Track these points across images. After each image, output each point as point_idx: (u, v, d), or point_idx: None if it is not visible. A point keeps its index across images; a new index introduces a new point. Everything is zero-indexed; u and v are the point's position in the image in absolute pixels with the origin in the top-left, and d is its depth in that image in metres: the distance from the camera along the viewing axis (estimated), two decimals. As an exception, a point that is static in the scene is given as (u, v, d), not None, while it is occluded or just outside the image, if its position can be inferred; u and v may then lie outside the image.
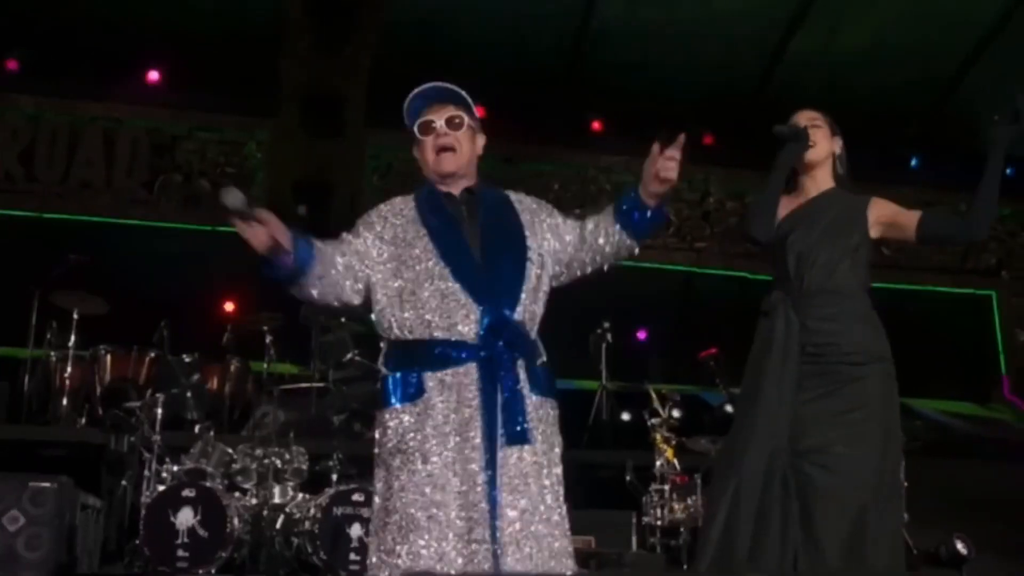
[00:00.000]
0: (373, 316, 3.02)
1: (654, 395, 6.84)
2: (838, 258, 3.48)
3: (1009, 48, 10.45)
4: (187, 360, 7.72)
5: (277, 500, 6.07)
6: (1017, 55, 10.42)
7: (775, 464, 3.32)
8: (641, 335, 10.28)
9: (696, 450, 6.48)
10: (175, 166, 10.42)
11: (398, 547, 2.75)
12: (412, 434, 2.80)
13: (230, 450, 6.16)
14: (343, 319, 8.93)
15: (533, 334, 2.97)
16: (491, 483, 2.74)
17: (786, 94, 10.73)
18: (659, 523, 6.51)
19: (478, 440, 2.77)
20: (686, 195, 11.13)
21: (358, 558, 5.61)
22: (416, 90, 3.13)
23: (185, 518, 5.49)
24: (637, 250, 3.10)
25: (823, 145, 3.70)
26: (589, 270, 3.12)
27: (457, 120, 3.09)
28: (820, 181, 3.64)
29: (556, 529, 2.80)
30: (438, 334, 2.84)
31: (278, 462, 6.07)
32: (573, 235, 3.11)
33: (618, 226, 3.05)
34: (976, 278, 11.73)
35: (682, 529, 6.47)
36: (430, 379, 2.83)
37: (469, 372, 2.82)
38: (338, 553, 5.59)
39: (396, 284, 2.91)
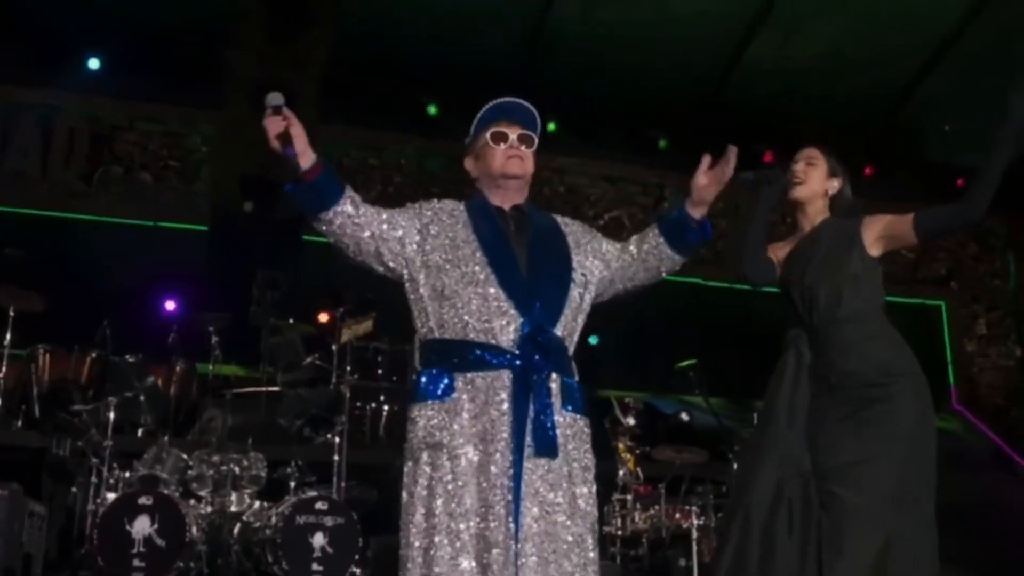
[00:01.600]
0: (411, 305, 3.07)
1: (616, 403, 6.95)
2: (840, 290, 3.56)
3: (963, 59, 10.76)
4: (131, 360, 7.64)
5: (234, 508, 6.05)
6: (971, 67, 10.75)
7: (784, 490, 3.42)
8: (591, 340, 10.43)
9: (661, 459, 6.60)
10: (115, 158, 10.27)
11: (417, 544, 2.80)
12: (439, 432, 2.86)
13: (185, 456, 6.12)
14: (291, 320, 8.94)
15: (570, 351, 3.04)
16: (514, 492, 2.78)
17: (741, 99, 10.96)
18: (620, 533, 6.63)
19: (504, 447, 2.82)
20: (640, 199, 11.28)
21: (321, 568, 5.64)
22: (498, 101, 3.21)
23: (141, 526, 5.46)
24: (679, 264, 3.18)
25: (813, 184, 3.75)
26: (634, 285, 3.20)
27: (530, 139, 3.17)
28: (812, 216, 3.74)
29: (579, 546, 2.85)
30: (475, 337, 2.90)
31: (236, 469, 6.05)
32: (617, 255, 3.19)
33: (663, 238, 3.13)
34: (926, 288, 12.07)
35: (644, 540, 6.59)
36: (461, 380, 2.89)
37: (501, 378, 2.87)
38: (300, 563, 5.60)
39: (439, 282, 2.96)
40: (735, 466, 3.79)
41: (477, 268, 2.94)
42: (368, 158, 10.62)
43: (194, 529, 5.54)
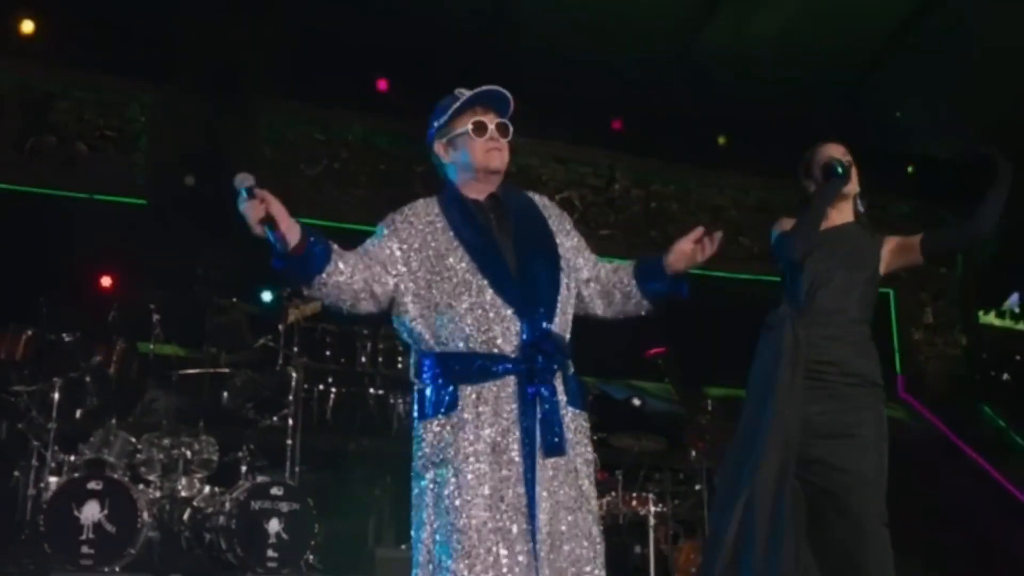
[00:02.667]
0: (397, 324, 3.05)
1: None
2: (851, 285, 3.76)
3: (918, 48, 10.97)
4: (68, 339, 7.51)
5: (184, 493, 6.01)
6: (925, 55, 10.98)
7: (786, 473, 3.55)
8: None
9: (620, 446, 6.69)
10: (49, 127, 10.05)
11: (428, 565, 2.85)
12: (446, 448, 2.86)
13: (133, 439, 6.05)
14: (234, 299, 8.86)
15: (567, 341, 3.05)
16: (529, 495, 2.82)
17: (695, 83, 11.06)
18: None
19: (515, 453, 2.85)
20: (591, 180, 11.35)
21: (276, 555, 5.64)
22: (474, 91, 3.20)
23: (90, 512, 5.40)
24: (644, 310, 3.22)
25: (855, 181, 3.99)
26: (595, 311, 3.21)
27: (506, 128, 3.20)
28: (844, 213, 3.93)
29: (589, 541, 2.90)
30: (476, 348, 2.91)
31: (188, 453, 6.01)
32: (588, 264, 3.21)
33: (635, 281, 3.17)
34: (875, 276, 12.31)
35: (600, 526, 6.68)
36: (466, 391, 2.90)
37: (507, 384, 2.90)
38: (255, 549, 5.59)
39: (429, 296, 2.94)
40: (732, 443, 3.83)
41: (468, 277, 2.94)
42: (314, 133, 10.53)
43: (145, 515, 5.49)
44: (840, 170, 3.81)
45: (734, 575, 3.53)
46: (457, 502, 2.81)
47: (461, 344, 2.91)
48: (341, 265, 2.91)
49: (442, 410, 2.90)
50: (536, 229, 3.13)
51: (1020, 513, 8.83)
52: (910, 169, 12.05)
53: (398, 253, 2.98)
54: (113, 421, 6.08)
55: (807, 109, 11.57)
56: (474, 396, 2.89)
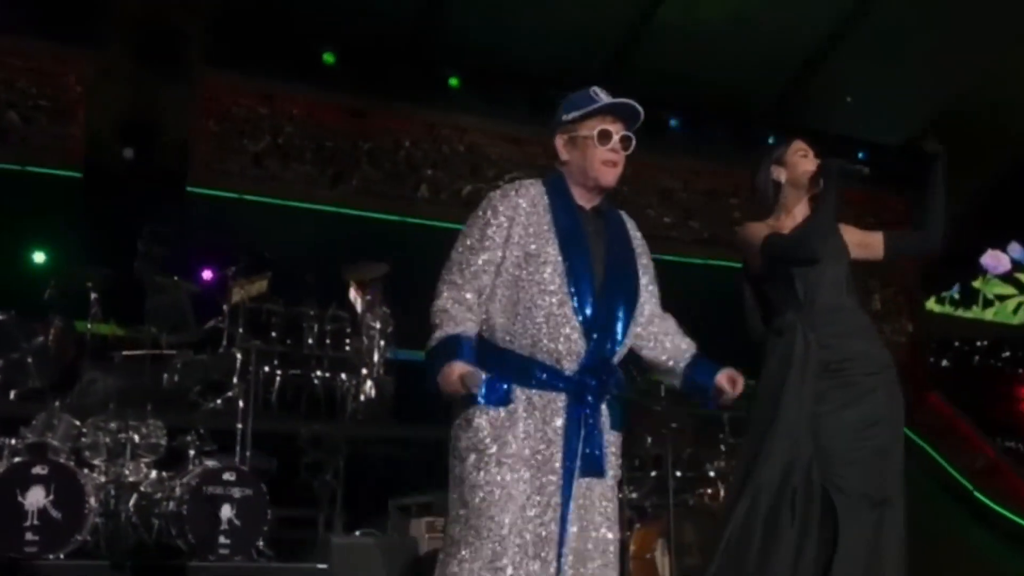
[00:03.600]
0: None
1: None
2: (841, 278, 3.87)
3: (868, 33, 11.17)
4: (3, 318, 7.41)
5: (131, 478, 5.96)
6: (876, 41, 11.18)
7: (791, 475, 3.65)
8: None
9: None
10: (-23, 95, 9.83)
11: (463, 550, 2.93)
12: (495, 441, 2.96)
13: (78, 422, 5.98)
14: (176, 277, 8.78)
15: (621, 373, 3.16)
16: (563, 509, 2.94)
17: (648, 63, 11.14)
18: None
19: (557, 465, 2.96)
20: (542, 161, 11.35)
21: (228, 541, 5.62)
22: (613, 101, 3.20)
23: (35, 498, 5.33)
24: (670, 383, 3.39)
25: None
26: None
27: (630, 142, 3.21)
28: (806, 206, 3.94)
29: (612, 558, 3.04)
30: (539, 356, 3.00)
31: (136, 437, 5.96)
32: (649, 310, 3.28)
33: (683, 376, 3.30)
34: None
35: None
36: (519, 392, 3.00)
37: (558, 399, 3.00)
38: (207, 536, 5.57)
39: (513, 292, 3.04)
40: (744, 445, 3.94)
41: (555, 285, 3.01)
42: (258, 107, 10.42)
43: (92, 500, 5.44)
44: (860, 174, 3.87)
45: (731, 573, 3.64)
46: (497, 493, 2.91)
47: (527, 348, 3.01)
48: (471, 326, 3.05)
49: (496, 401, 2.98)
50: (626, 255, 3.21)
51: (967, 500, 9.10)
52: (860, 155, 12.26)
53: (500, 251, 3.06)
54: (56, 404, 5.99)
55: (758, 93, 11.75)
56: (526, 400, 2.99)
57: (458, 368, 2.91)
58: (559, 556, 2.92)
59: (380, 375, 8.66)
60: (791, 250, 3.78)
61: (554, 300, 3.00)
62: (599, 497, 3.02)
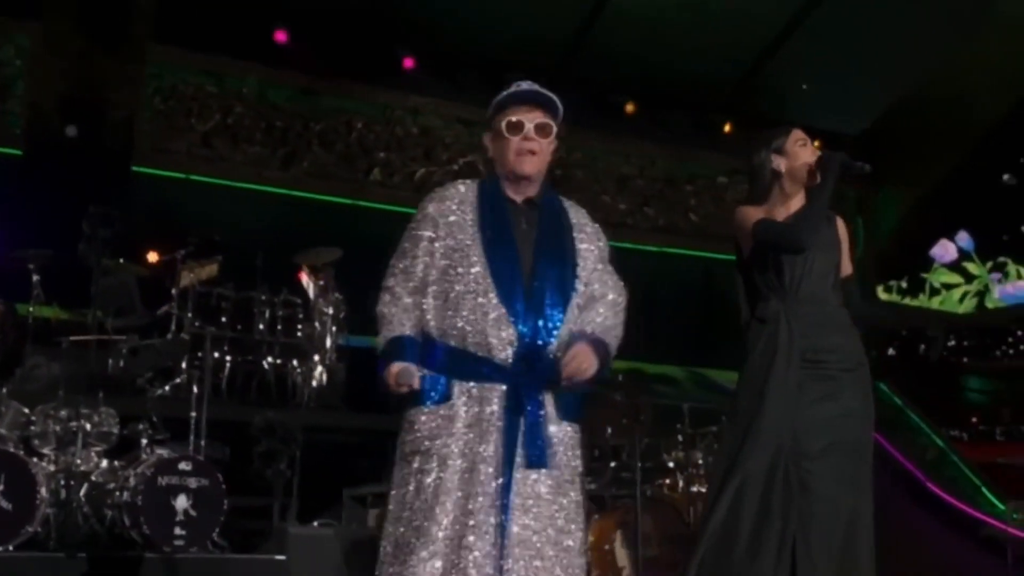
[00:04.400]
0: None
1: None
2: (828, 270, 3.94)
3: (825, 22, 11.33)
4: (-59, 300, 7.29)
5: (82, 467, 5.92)
6: (832, 30, 11.35)
7: (778, 463, 3.74)
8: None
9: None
10: (-90, 69, 9.65)
11: (406, 551, 3.00)
12: (435, 439, 3.04)
13: (27, 410, 5.92)
14: (121, 260, 8.70)
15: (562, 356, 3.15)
16: (503, 503, 2.99)
17: (604, 47, 11.22)
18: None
19: (492, 457, 3.02)
20: (493, 145, 11.43)
21: (183, 532, 5.62)
22: (513, 90, 3.26)
23: (-16, 488, 5.28)
24: None
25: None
26: None
27: (547, 128, 3.25)
28: (802, 199, 4.00)
29: (566, 553, 3.07)
30: (473, 348, 3.08)
31: (87, 425, 5.92)
32: (591, 292, 3.30)
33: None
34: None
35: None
36: (457, 387, 3.08)
37: (495, 390, 3.07)
38: (162, 527, 5.56)
39: (443, 288, 3.13)
40: (725, 438, 4.02)
41: (480, 278, 3.09)
42: (206, 85, 10.34)
43: (43, 490, 5.41)
44: (861, 170, 3.95)
45: (717, 563, 3.73)
46: (439, 494, 2.99)
47: (460, 341, 3.08)
48: (410, 326, 3.14)
49: (435, 399, 3.07)
50: (560, 246, 3.23)
51: (917, 490, 9.32)
52: (816, 144, 12.43)
53: (427, 244, 3.17)
54: (4, 390, 5.93)
55: (715, 80, 11.88)
56: (465, 394, 3.07)
57: (395, 368, 3.03)
58: (502, 548, 2.95)
59: (332, 362, 8.67)
60: (781, 237, 3.84)
61: (480, 294, 3.08)
62: (549, 490, 3.05)
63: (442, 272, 3.13)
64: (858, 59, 11.51)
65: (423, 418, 3.06)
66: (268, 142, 10.50)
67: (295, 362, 8.52)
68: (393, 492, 3.11)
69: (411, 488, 3.04)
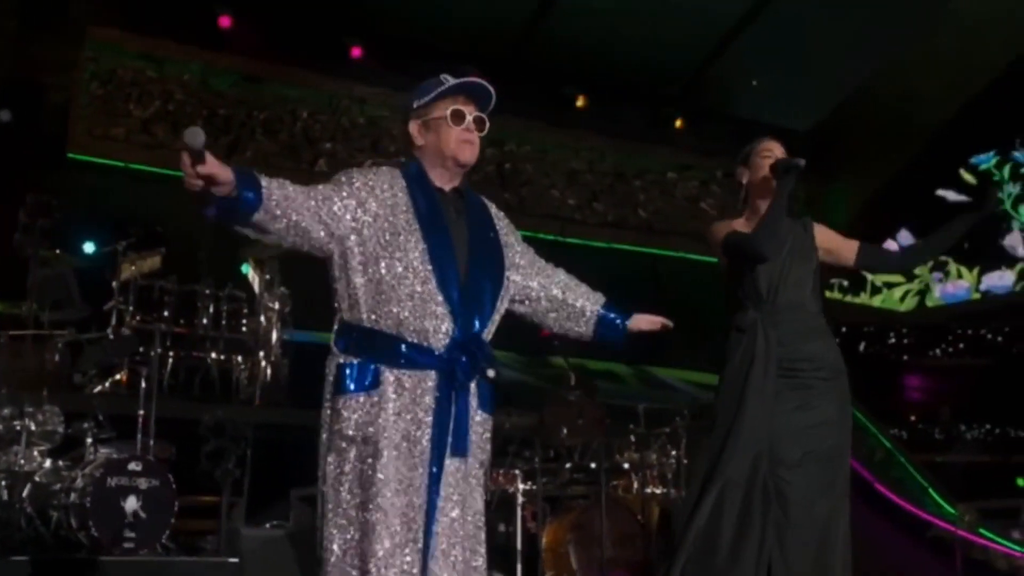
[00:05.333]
0: (337, 282, 3.16)
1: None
2: (805, 278, 4.07)
3: (777, 18, 11.50)
4: None
5: (25, 467, 5.86)
6: (784, 27, 11.52)
7: (758, 470, 3.87)
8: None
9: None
10: None
11: (349, 537, 3.03)
12: (366, 427, 3.04)
13: (-33, 408, 5.86)
14: (58, 251, 8.60)
15: (491, 349, 3.26)
16: (433, 489, 3.05)
17: (557, 38, 11.30)
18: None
19: (425, 445, 3.06)
20: (443, 137, 11.43)
21: (133, 534, 5.59)
22: (461, 80, 3.26)
23: (-75, 489, 5.22)
24: (580, 340, 3.53)
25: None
26: (544, 323, 3.51)
27: (483, 123, 3.30)
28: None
29: (477, 541, 3.17)
30: (407, 335, 3.08)
31: (31, 424, 5.86)
32: (538, 280, 3.44)
33: (595, 324, 3.48)
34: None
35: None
36: (388, 374, 3.07)
37: (428, 377, 3.09)
38: (111, 529, 5.53)
39: (376, 271, 3.09)
40: (704, 445, 4.13)
41: (417, 263, 3.09)
42: (146, 70, 10.22)
43: (-13, 491, 5.35)
44: (798, 167, 4.04)
45: (698, 568, 3.83)
46: (379, 481, 3.00)
47: (394, 327, 3.08)
48: (276, 207, 2.95)
49: (365, 387, 3.06)
50: (488, 236, 3.32)
51: (866, 491, 9.50)
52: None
53: (351, 208, 3.08)
54: (-58, 389, 5.85)
55: (666, 70, 12.00)
56: (395, 381, 3.07)
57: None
58: (428, 535, 3.02)
59: (277, 357, 8.66)
60: (742, 247, 3.97)
61: (417, 280, 3.08)
62: (469, 478, 3.15)
63: (375, 255, 3.08)
64: (808, 56, 11.72)
65: (354, 404, 3.05)
66: (210, 130, 10.34)
67: (239, 358, 8.50)
68: (327, 488, 3.10)
69: (350, 479, 3.04)
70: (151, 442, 6.23)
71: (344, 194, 3.09)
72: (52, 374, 7.53)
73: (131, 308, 8.01)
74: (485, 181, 11.56)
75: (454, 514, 3.09)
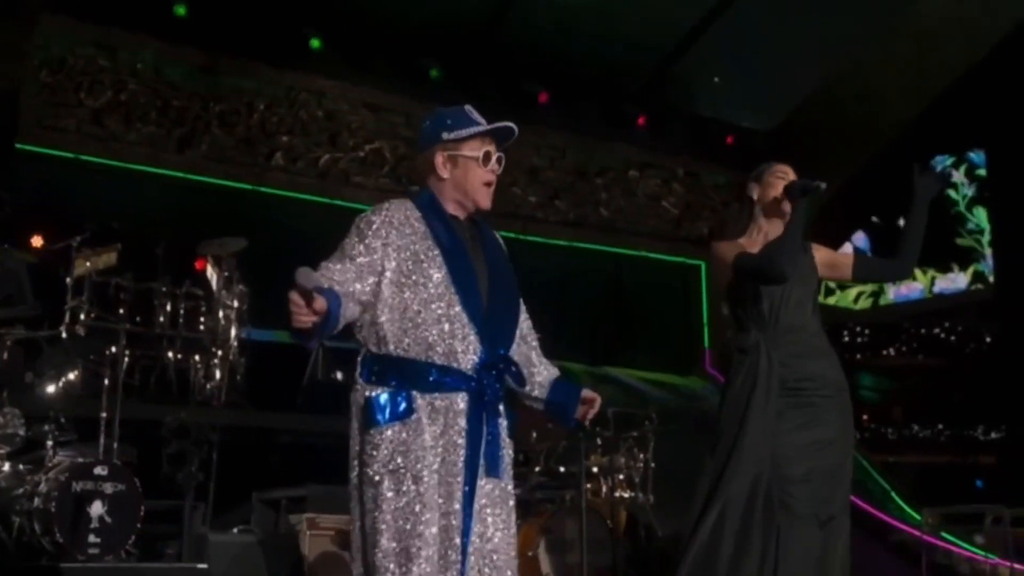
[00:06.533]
0: (361, 322, 3.23)
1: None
2: (805, 299, 4.25)
3: (739, 15, 11.63)
4: None
5: (-16, 472, 5.84)
6: (746, 25, 11.67)
7: (758, 489, 4.04)
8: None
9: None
10: None
11: (393, 569, 3.08)
12: (402, 456, 3.12)
13: (-76, 411, 5.81)
14: (6, 245, 8.50)
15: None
16: (467, 510, 3.14)
17: (517, 34, 11.36)
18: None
19: (460, 467, 3.15)
20: (403, 131, 11.45)
21: (98, 540, 5.59)
22: (500, 125, 3.36)
23: None
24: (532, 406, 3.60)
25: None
26: None
27: (503, 160, 3.42)
28: (780, 227, 4.23)
29: (512, 561, 3.26)
30: (436, 359, 3.18)
31: (-8, 427, 5.83)
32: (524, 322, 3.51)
33: (547, 396, 3.51)
34: (688, 246, 13.07)
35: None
36: (419, 399, 3.17)
37: (458, 400, 3.18)
38: (77, 535, 5.52)
39: (401, 300, 3.19)
40: (707, 464, 4.26)
41: (442, 287, 3.20)
42: (98, 58, 10.10)
43: (-54, 497, 5.32)
44: (817, 189, 4.17)
45: None
46: (417, 508, 3.08)
47: (422, 353, 3.17)
48: (347, 311, 3.10)
49: (399, 415, 3.15)
50: (503, 263, 3.44)
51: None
52: (729, 140, 12.81)
53: (379, 254, 3.21)
54: None
55: (628, 67, 12.10)
56: (427, 406, 3.17)
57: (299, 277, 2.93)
58: (463, 555, 3.11)
59: (235, 357, 8.65)
60: (761, 268, 4.10)
61: (443, 303, 3.19)
62: (500, 499, 3.24)
63: (399, 283, 3.19)
64: (770, 55, 11.87)
65: (388, 434, 3.13)
66: (164, 122, 10.33)
67: (197, 357, 8.47)
68: (361, 521, 3.17)
69: (387, 509, 3.09)
70: (115, 445, 6.21)
71: (373, 244, 3.20)
72: (4, 373, 7.46)
73: (86, 306, 7.95)
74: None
75: (490, 534, 3.19)
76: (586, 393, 3.52)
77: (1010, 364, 11.72)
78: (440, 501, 3.11)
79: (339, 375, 9.52)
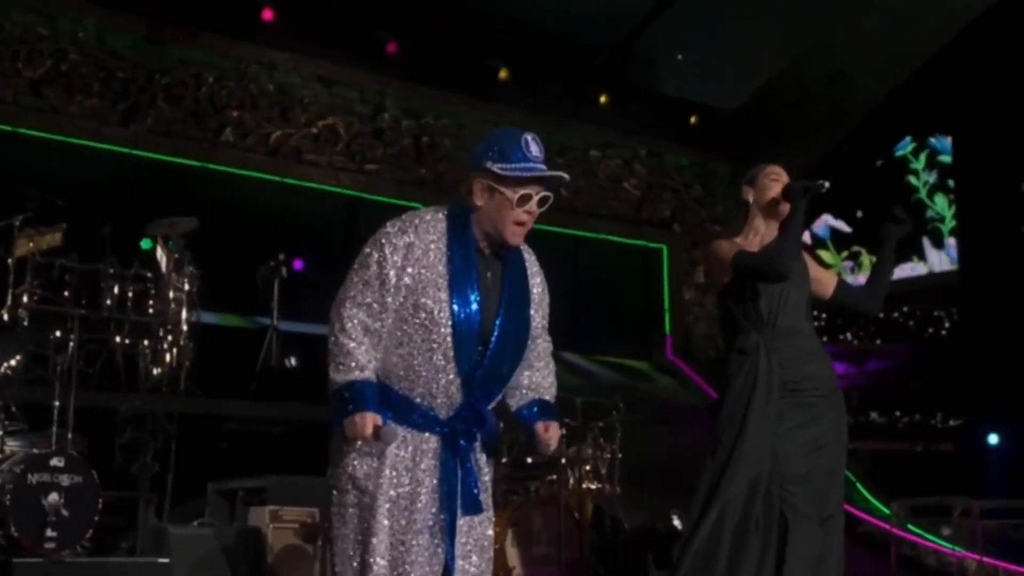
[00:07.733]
0: None
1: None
2: (800, 302, 4.42)
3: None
4: None
5: (-67, 462, 5.81)
6: (712, 1, 11.79)
7: (757, 489, 4.21)
8: (297, 264, 10.46)
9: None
10: None
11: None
12: (369, 479, 3.31)
13: None
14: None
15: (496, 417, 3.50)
16: (449, 551, 3.29)
17: (477, 9, 11.37)
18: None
19: (427, 503, 3.30)
20: (358, 107, 11.45)
21: (55, 534, 5.60)
22: (551, 174, 3.37)
23: None
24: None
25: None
26: None
27: (546, 202, 3.43)
28: (775, 231, 4.37)
29: None
30: (416, 399, 3.32)
31: (-58, 417, 5.80)
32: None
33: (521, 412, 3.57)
34: (650, 230, 13.20)
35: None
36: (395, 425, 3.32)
37: (430, 440, 3.34)
38: (31, 528, 5.53)
39: (400, 334, 3.31)
40: (707, 465, 4.40)
41: (439, 334, 3.28)
42: (37, 26, 9.98)
43: None
44: (818, 189, 4.31)
45: None
46: (372, 539, 3.26)
47: (406, 389, 3.32)
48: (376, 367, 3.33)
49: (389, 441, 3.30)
50: (520, 306, 3.45)
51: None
52: (693, 120, 12.95)
53: (393, 282, 3.31)
54: None
55: (589, 45, 12.18)
56: (401, 437, 3.32)
57: (371, 419, 3.22)
58: None
59: (185, 341, 8.62)
60: (761, 266, 4.25)
61: (437, 350, 3.28)
62: (480, 532, 3.39)
63: (402, 316, 3.30)
64: (735, 33, 11.99)
65: (353, 453, 3.31)
66: (107, 94, 10.23)
67: (146, 342, 8.44)
68: (335, 530, 3.37)
69: (351, 526, 3.31)
70: (68, 435, 6.20)
71: (389, 274, 3.30)
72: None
73: (30, 288, 7.89)
74: (400, 156, 11.63)
75: (464, 568, 3.34)
76: (541, 436, 3.48)
77: (970, 351, 12.00)
78: (394, 530, 3.27)
79: (292, 361, 9.56)
